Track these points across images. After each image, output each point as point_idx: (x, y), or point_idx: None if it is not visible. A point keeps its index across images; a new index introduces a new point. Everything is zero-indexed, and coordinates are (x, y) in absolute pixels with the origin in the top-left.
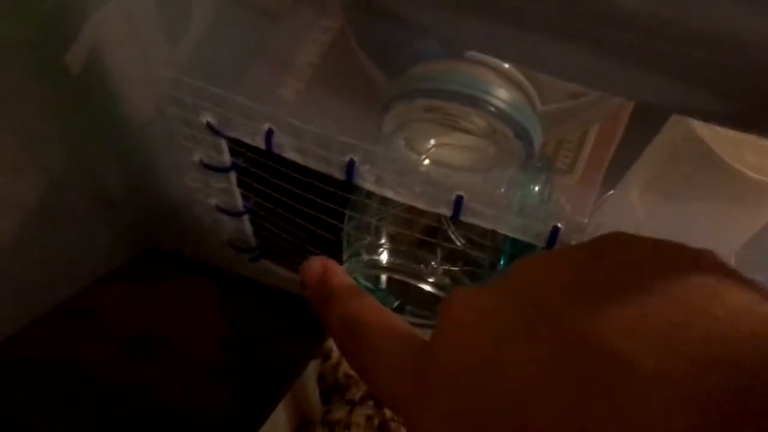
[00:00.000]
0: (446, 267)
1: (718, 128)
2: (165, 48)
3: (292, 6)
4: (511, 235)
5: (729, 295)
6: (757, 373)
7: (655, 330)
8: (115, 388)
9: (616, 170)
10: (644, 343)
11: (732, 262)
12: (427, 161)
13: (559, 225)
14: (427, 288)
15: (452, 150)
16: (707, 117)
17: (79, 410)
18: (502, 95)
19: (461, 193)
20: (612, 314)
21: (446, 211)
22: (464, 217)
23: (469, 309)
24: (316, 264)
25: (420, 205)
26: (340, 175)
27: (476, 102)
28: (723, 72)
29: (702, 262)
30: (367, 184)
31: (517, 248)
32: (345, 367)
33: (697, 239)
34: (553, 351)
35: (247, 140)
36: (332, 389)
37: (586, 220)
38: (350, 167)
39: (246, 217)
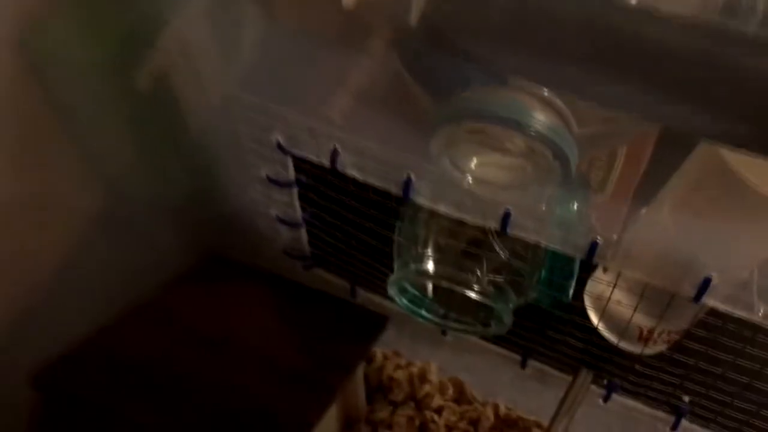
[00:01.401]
0: (491, 276)
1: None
2: (226, 65)
3: (341, 32)
4: (552, 247)
5: None
6: None
7: None
8: (186, 379)
9: (645, 189)
10: None
11: (755, 276)
12: (470, 179)
13: (598, 239)
14: (473, 296)
15: (493, 168)
16: (730, 143)
17: (155, 396)
18: (541, 119)
19: (509, 208)
20: None
21: (494, 225)
22: (511, 231)
23: None
24: None
25: (470, 218)
26: (397, 190)
27: (518, 125)
28: (746, 104)
29: None
30: (423, 199)
31: (557, 260)
32: (388, 370)
33: (722, 256)
34: None
35: (313, 158)
36: (376, 390)
37: (615, 236)
38: (407, 183)
39: (303, 228)
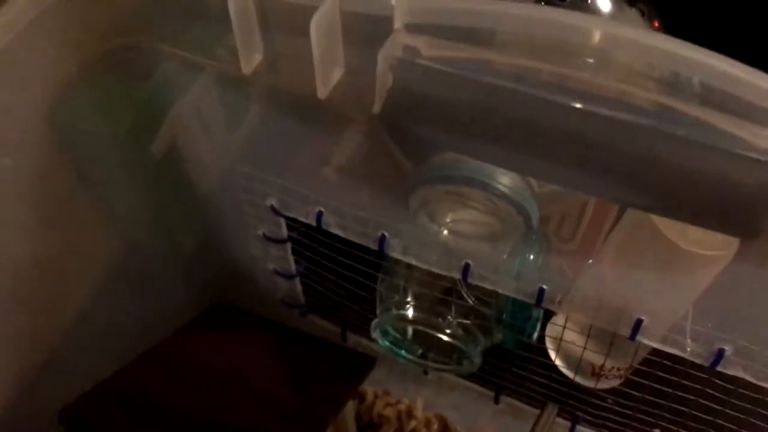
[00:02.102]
0: (460, 320)
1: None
2: (226, 139)
3: (334, 113)
4: (508, 294)
5: None
6: None
7: None
8: (191, 415)
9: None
10: None
11: (688, 317)
12: (445, 232)
13: (544, 287)
14: (445, 338)
15: (466, 223)
16: (651, 211)
17: (164, 429)
18: (505, 181)
19: (469, 260)
20: None
21: (457, 275)
22: (471, 280)
23: None
24: None
25: (436, 269)
26: (374, 246)
27: (485, 186)
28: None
29: None
30: (395, 253)
31: (517, 306)
32: (378, 407)
33: (652, 301)
34: None
35: (302, 219)
36: (367, 427)
37: (570, 285)
38: (382, 240)
39: (297, 279)
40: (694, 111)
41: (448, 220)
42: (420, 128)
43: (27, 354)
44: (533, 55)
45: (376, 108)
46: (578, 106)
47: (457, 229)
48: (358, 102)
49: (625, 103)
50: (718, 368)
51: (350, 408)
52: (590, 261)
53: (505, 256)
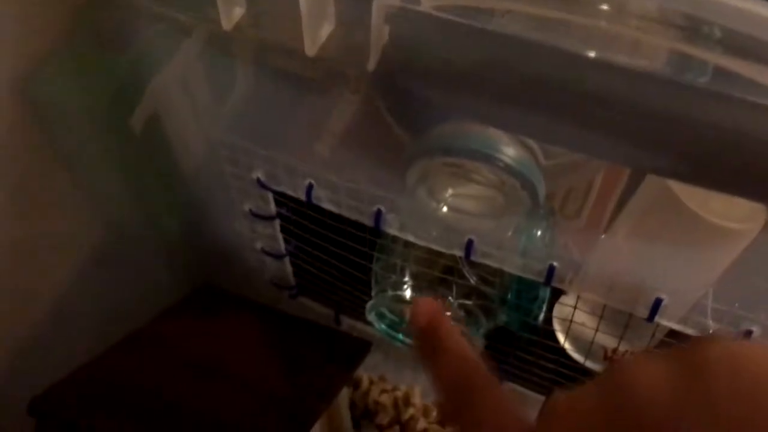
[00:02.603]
0: (462, 301)
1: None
2: (213, 110)
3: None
4: (514, 273)
5: None
6: None
7: None
8: (174, 405)
9: (612, 219)
10: None
11: (709, 296)
12: (445, 208)
13: (554, 264)
14: None
15: (467, 199)
16: (672, 177)
17: (144, 420)
18: (509, 152)
19: (472, 236)
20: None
21: (459, 252)
22: (474, 258)
23: (567, 415)
24: (426, 307)
25: (437, 247)
26: (369, 222)
27: (487, 158)
28: (681, 144)
29: None
30: (392, 229)
31: (523, 285)
32: (374, 394)
33: (673, 279)
34: None
35: (291, 193)
36: (362, 415)
37: (582, 261)
38: (378, 216)
39: (287, 259)
40: (716, 59)
41: (447, 195)
42: (419, 88)
43: None
44: (544, 2)
45: (371, 65)
46: (592, 55)
47: (457, 204)
48: (350, 59)
49: (641, 53)
50: None
51: (344, 395)
52: (602, 236)
53: (509, 233)
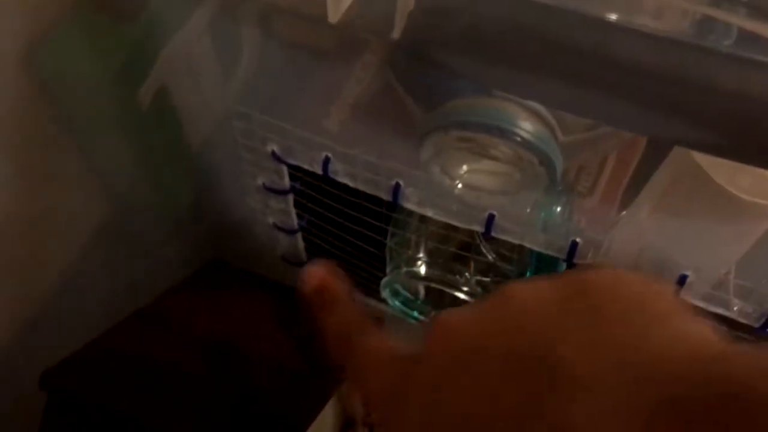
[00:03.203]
0: (479, 278)
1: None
2: (225, 82)
3: (335, 45)
4: (536, 249)
5: (678, 324)
6: (685, 385)
7: (605, 349)
8: (183, 380)
9: (633, 193)
10: (591, 359)
11: (732, 272)
12: (459, 185)
13: (577, 240)
14: (462, 296)
15: (483, 175)
16: (703, 149)
17: (154, 396)
18: (527, 127)
19: (493, 211)
20: (573, 336)
21: (479, 228)
22: (495, 233)
23: (450, 331)
24: (320, 271)
25: (456, 222)
26: (386, 196)
27: (504, 133)
28: (718, 115)
29: (662, 296)
30: (411, 204)
31: (542, 261)
32: None
33: (698, 255)
34: (509, 368)
35: (306, 166)
36: None
37: (604, 238)
38: (396, 189)
39: (299, 235)
40: (740, 22)
41: (462, 172)
42: (446, 57)
43: (7, 315)
44: None
45: (396, 33)
46: (613, 18)
47: (472, 181)
48: (375, 27)
49: (665, 17)
50: None
51: None
52: (624, 213)
53: (528, 210)
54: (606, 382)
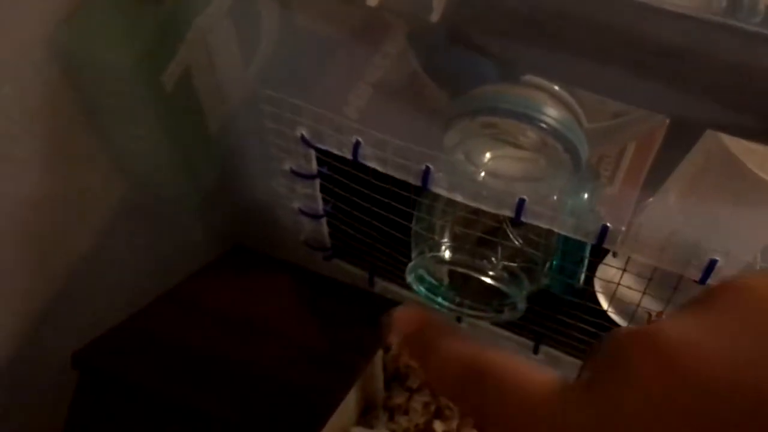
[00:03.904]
0: (506, 263)
1: (745, 141)
2: (244, 65)
3: (355, 32)
4: (565, 234)
5: None
6: None
7: None
8: (211, 360)
9: (652, 182)
10: None
11: (758, 258)
12: (483, 173)
13: (608, 224)
14: (488, 281)
15: (506, 161)
16: (736, 133)
17: (183, 376)
18: (552, 113)
19: (524, 196)
20: None
21: (509, 213)
22: (525, 218)
23: (670, 357)
24: (410, 314)
25: (486, 207)
26: (415, 181)
27: (530, 119)
28: (750, 97)
29: None
30: (440, 189)
31: (568, 247)
32: (404, 358)
33: (727, 239)
34: None
35: (336, 151)
36: (393, 378)
37: (623, 227)
38: (426, 174)
39: (324, 220)
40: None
41: (486, 159)
42: (486, 39)
43: (35, 296)
44: None
45: (435, 16)
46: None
47: (496, 168)
48: (414, 9)
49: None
50: None
51: (378, 358)
52: (651, 199)
53: (555, 197)
54: None
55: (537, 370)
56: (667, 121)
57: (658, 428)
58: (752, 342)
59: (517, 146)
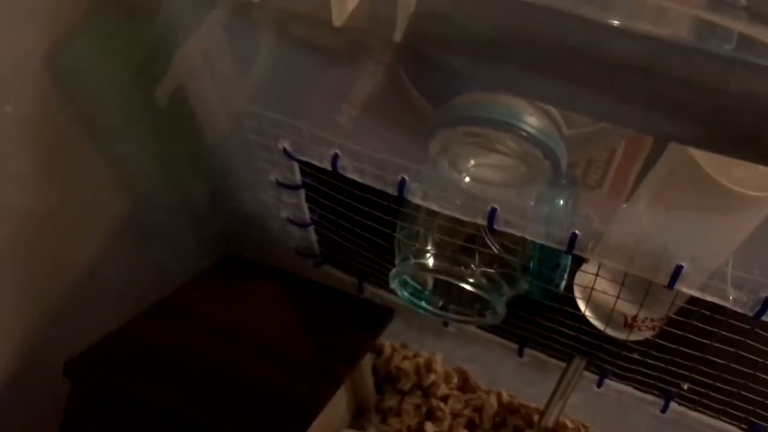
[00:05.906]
0: (484, 269)
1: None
2: (238, 80)
3: (348, 46)
4: (536, 240)
5: None
6: None
7: None
8: (204, 368)
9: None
10: None
11: (730, 263)
12: (467, 179)
13: (576, 232)
14: (467, 287)
15: (489, 169)
16: (694, 144)
17: (175, 384)
18: (532, 122)
19: (495, 205)
20: None
21: (482, 221)
22: (497, 226)
23: None
24: None
25: (460, 215)
26: (393, 191)
27: (510, 128)
28: (706, 112)
29: None
30: (416, 198)
31: (545, 253)
32: (396, 361)
33: (693, 246)
34: None
35: (316, 163)
36: (384, 380)
37: (594, 235)
38: (402, 184)
39: (312, 228)
40: (741, 27)
41: (469, 166)
42: (446, 57)
43: (32, 307)
44: None
45: (397, 36)
46: (616, 23)
47: (479, 174)
48: (377, 29)
49: (666, 21)
50: (764, 318)
51: (368, 361)
52: (624, 205)
53: (532, 203)
54: None
55: None
56: None
57: None
58: None
59: (500, 153)
